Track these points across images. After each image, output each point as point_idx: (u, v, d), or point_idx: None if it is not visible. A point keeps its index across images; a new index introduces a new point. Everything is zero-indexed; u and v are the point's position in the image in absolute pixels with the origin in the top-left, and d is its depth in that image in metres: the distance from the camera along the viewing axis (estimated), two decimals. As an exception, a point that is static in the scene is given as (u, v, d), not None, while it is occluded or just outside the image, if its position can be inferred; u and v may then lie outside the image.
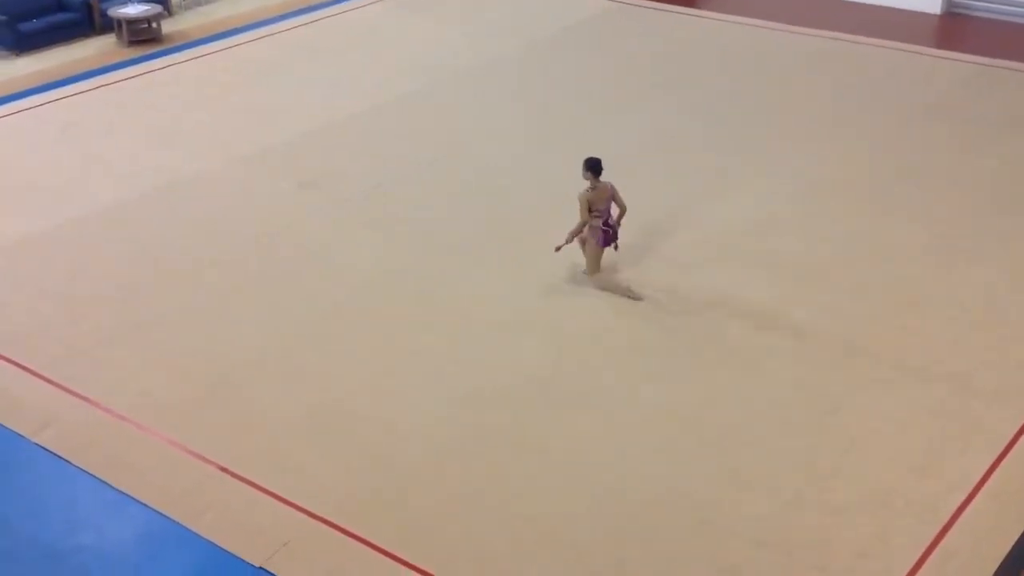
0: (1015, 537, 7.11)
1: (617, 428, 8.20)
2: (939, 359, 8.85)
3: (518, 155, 12.50)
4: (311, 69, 15.14)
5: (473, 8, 17.37)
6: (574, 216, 9.73)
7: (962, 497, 7.45)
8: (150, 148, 12.90)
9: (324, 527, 7.35)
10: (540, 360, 8.97)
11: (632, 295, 9.63)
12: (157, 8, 16.48)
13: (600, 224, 9.55)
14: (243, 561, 7.12)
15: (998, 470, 7.68)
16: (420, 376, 8.81)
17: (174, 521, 7.46)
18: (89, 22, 16.73)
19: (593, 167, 9.38)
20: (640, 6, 17.14)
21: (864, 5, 17.05)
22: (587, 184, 9.44)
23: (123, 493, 7.72)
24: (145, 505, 7.60)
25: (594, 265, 9.76)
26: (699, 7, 17.15)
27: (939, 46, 15.52)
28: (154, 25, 16.44)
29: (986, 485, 7.55)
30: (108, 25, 16.63)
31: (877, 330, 9.22)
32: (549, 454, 7.97)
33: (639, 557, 7.08)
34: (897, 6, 16.88)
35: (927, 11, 16.75)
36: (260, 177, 12.14)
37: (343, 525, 7.35)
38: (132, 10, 16.24)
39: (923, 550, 7.04)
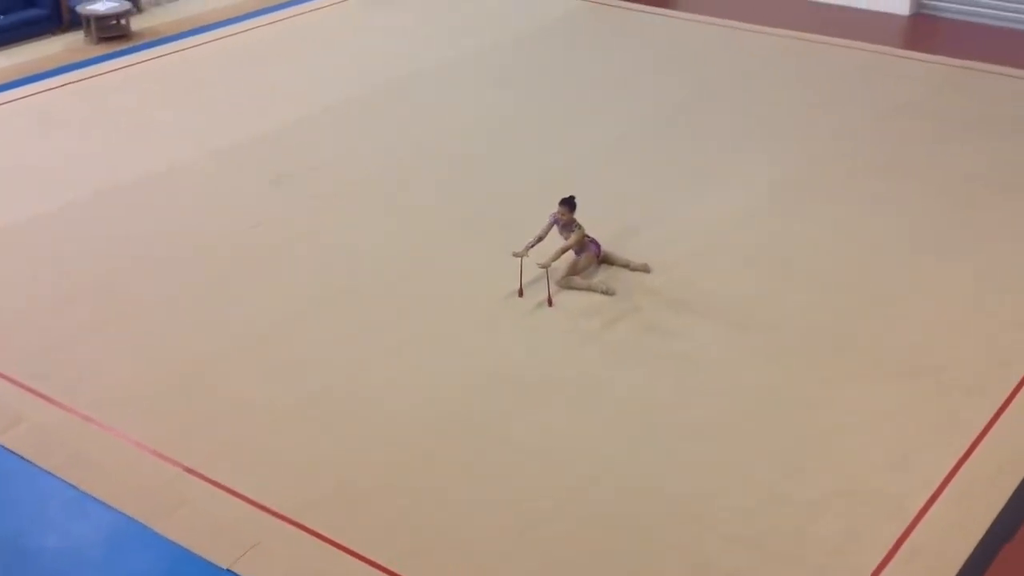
0: (979, 535, 7.15)
1: (593, 422, 8.21)
2: (914, 354, 8.89)
3: (493, 151, 12.48)
4: (283, 65, 15.08)
5: (444, 6, 17.34)
6: (550, 211, 9.80)
7: (929, 494, 7.48)
8: (120, 144, 12.82)
9: (294, 528, 7.30)
10: (516, 354, 8.97)
11: (606, 290, 9.67)
12: (126, 5, 16.33)
13: (588, 241, 9.92)
14: (211, 563, 7.05)
15: (964, 468, 7.72)
16: (394, 372, 8.78)
17: (140, 522, 7.38)
18: (57, 19, 16.57)
19: (575, 205, 9.71)
20: (611, 5, 17.15)
21: (833, 6, 17.11)
22: (571, 220, 9.72)
23: (88, 494, 7.64)
24: (111, 506, 7.53)
25: (574, 272, 9.85)
26: (670, 7, 17.18)
27: (908, 47, 15.59)
28: (123, 22, 16.30)
29: (952, 483, 7.59)
30: (76, 22, 16.48)
31: (852, 325, 9.26)
32: (523, 448, 7.96)
33: (613, 551, 7.08)
34: (866, 7, 16.96)
35: (896, 12, 16.83)
36: (234, 171, 12.09)
37: (313, 527, 7.30)
38: (101, 7, 16.08)
39: (890, 547, 7.07)
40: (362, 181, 11.80)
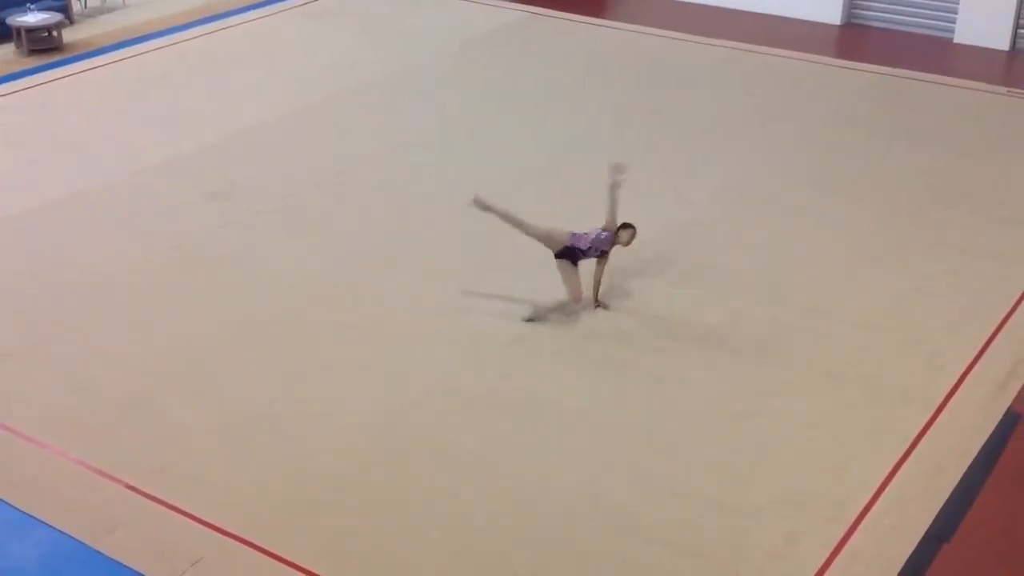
0: (917, 538, 7.28)
1: (533, 434, 8.24)
2: (848, 362, 9.04)
3: (431, 163, 12.49)
4: (216, 79, 14.96)
5: (381, 19, 17.33)
6: (490, 223, 9.70)
7: (867, 498, 7.61)
8: (52, 158, 12.63)
9: (236, 544, 7.24)
10: (456, 367, 8.98)
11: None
12: (58, 17, 16.14)
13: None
14: (152, 581, 6.99)
15: (901, 471, 7.87)
16: (337, 387, 8.75)
17: (80, 541, 7.28)
18: (-14, 31, 16.34)
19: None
20: (549, 16, 17.26)
21: (766, 16, 17.38)
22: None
23: (27, 514, 7.52)
24: (50, 526, 7.41)
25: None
26: (607, 17, 17.32)
27: (840, 56, 15.87)
28: (55, 34, 16.09)
29: (890, 486, 7.72)
30: (7, 34, 16.23)
31: (788, 334, 9.40)
32: (466, 462, 7.97)
33: (556, 563, 7.11)
34: (798, 16, 17.25)
35: (827, 22, 17.14)
36: (168, 187, 11.95)
37: (256, 541, 7.25)
38: (32, 18, 15.87)
39: (830, 551, 7.17)
40: (294, 199, 11.70)
